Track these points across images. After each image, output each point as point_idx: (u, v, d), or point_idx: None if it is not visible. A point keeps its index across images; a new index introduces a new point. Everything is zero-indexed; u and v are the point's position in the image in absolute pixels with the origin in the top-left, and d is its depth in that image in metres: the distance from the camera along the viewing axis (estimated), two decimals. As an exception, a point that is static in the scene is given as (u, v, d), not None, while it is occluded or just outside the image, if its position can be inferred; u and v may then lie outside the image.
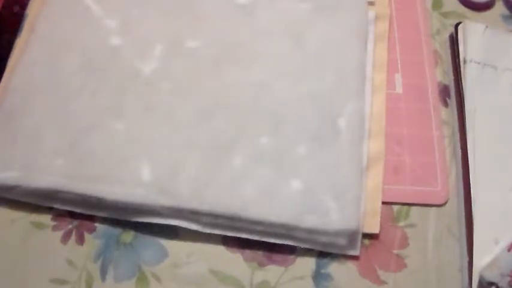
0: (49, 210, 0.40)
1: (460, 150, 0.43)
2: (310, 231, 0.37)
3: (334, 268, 0.39)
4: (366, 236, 0.39)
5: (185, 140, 0.40)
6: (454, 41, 0.47)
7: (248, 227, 0.38)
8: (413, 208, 0.41)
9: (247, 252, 0.39)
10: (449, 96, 0.46)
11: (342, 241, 0.37)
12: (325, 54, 0.43)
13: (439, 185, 0.42)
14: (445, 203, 0.41)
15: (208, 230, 0.39)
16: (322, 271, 0.39)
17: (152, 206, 0.38)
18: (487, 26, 0.47)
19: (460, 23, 0.47)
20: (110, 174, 0.38)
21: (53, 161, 0.39)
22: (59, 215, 0.41)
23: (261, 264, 0.39)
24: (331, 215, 0.37)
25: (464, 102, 0.44)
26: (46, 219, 0.40)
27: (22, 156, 0.39)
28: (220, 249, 0.40)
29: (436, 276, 0.39)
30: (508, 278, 0.37)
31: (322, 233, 0.37)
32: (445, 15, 0.50)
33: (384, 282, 0.39)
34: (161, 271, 0.39)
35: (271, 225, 0.37)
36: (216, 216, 0.38)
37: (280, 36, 0.44)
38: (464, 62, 0.45)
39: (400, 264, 0.39)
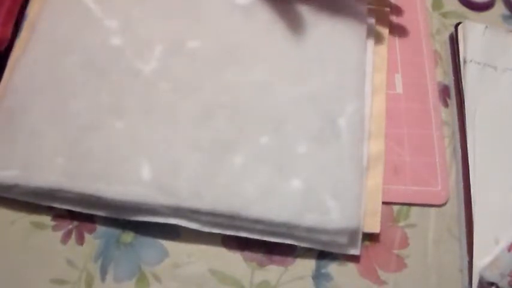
0: (49, 210, 0.40)
1: (460, 150, 0.43)
2: (311, 229, 0.37)
3: (334, 268, 0.39)
4: (366, 236, 0.39)
5: (185, 140, 0.40)
6: (454, 41, 0.47)
7: (248, 226, 0.38)
8: (413, 208, 0.41)
9: (247, 252, 0.39)
10: (449, 96, 0.46)
11: (342, 240, 0.37)
12: (325, 54, 0.43)
13: (439, 185, 0.42)
14: (445, 203, 0.41)
15: (207, 229, 0.39)
16: (322, 271, 0.39)
17: (152, 204, 0.38)
18: (487, 26, 0.47)
19: (460, 23, 0.47)
20: (110, 173, 0.38)
21: (52, 159, 0.39)
22: (59, 215, 0.41)
23: (261, 264, 0.39)
24: (331, 214, 0.37)
25: (464, 102, 0.44)
26: (46, 219, 0.40)
27: (22, 155, 0.39)
28: (220, 250, 0.40)
29: (436, 276, 0.39)
30: (508, 278, 0.37)
31: (323, 231, 0.37)
32: (445, 15, 0.50)
33: (384, 282, 0.39)
34: (161, 271, 0.39)
35: (272, 223, 0.37)
36: (216, 215, 0.38)
37: (281, 37, 0.44)
38: (464, 62, 0.45)
39: (400, 264, 0.39)
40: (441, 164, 0.43)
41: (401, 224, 0.41)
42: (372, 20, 0.47)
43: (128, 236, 0.40)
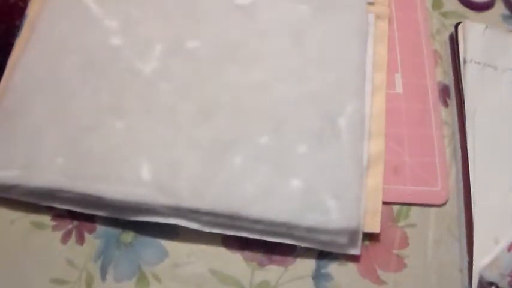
0: (49, 210, 0.40)
1: (460, 150, 0.43)
2: (311, 229, 0.37)
3: (334, 268, 0.39)
4: (366, 236, 0.39)
5: (185, 139, 0.40)
6: (454, 41, 0.47)
7: (248, 226, 0.38)
8: (413, 208, 0.41)
9: (247, 252, 0.39)
10: (449, 96, 0.46)
11: (342, 240, 0.37)
12: (326, 54, 0.43)
13: (439, 185, 0.42)
14: (445, 203, 0.41)
15: (208, 229, 0.39)
16: (322, 271, 0.39)
17: (152, 205, 0.38)
18: (487, 26, 0.47)
19: (460, 23, 0.47)
20: (110, 173, 0.38)
21: (52, 160, 0.39)
22: (59, 215, 0.41)
23: (261, 264, 0.39)
24: (331, 214, 0.37)
25: (464, 102, 0.44)
26: (46, 219, 0.40)
27: (22, 155, 0.39)
28: (220, 249, 0.40)
29: (436, 276, 0.39)
30: (508, 278, 0.37)
31: (323, 231, 0.37)
32: (445, 15, 0.50)
33: (383, 282, 0.39)
34: (161, 271, 0.39)
35: (272, 223, 0.37)
36: (216, 215, 0.38)
37: (281, 36, 0.44)
38: (464, 62, 0.45)
39: (400, 264, 0.39)
40: (441, 164, 0.43)
41: (401, 224, 0.41)
42: (372, 20, 0.47)
43: (128, 236, 0.40)
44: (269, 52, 0.44)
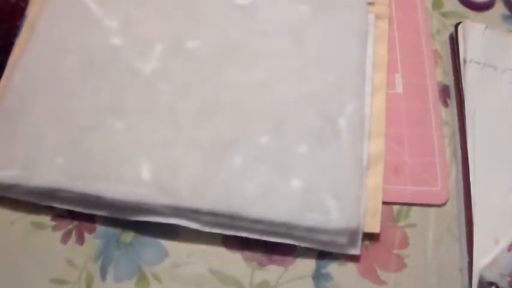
0: (49, 210, 0.40)
1: (460, 150, 0.43)
2: (311, 229, 0.37)
3: (334, 268, 0.39)
4: (366, 236, 0.39)
5: (185, 139, 0.40)
6: (454, 41, 0.47)
7: (248, 226, 0.38)
8: (413, 208, 0.41)
9: (247, 252, 0.39)
10: (449, 96, 0.46)
11: (342, 240, 0.37)
12: (326, 54, 0.44)
13: (439, 185, 0.42)
14: (445, 203, 0.41)
15: (208, 229, 0.39)
16: (322, 271, 0.39)
17: (152, 204, 0.38)
18: (487, 26, 0.47)
19: (460, 23, 0.47)
20: (110, 173, 0.38)
21: (52, 159, 0.39)
22: (59, 215, 0.41)
23: (261, 264, 0.39)
24: (331, 214, 0.37)
25: (464, 102, 0.44)
26: (46, 219, 0.40)
27: (22, 154, 0.39)
28: (220, 249, 0.40)
29: (436, 276, 0.39)
30: (508, 278, 0.37)
31: (323, 231, 0.37)
32: (445, 15, 0.50)
33: (383, 282, 0.39)
34: (161, 271, 0.39)
35: (272, 223, 0.37)
36: (216, 215, 0.38)
37: (281, 36, 0.44)
38: (464, 62, 0.45)
39: (400, 264, 0.39)
40: (441, 164, 0.43)
41: (401, 224, 0.41)
42: (372, 20, 0.47)
43: (128, 236, 0.40)
44: (269, 52, 0.44)
